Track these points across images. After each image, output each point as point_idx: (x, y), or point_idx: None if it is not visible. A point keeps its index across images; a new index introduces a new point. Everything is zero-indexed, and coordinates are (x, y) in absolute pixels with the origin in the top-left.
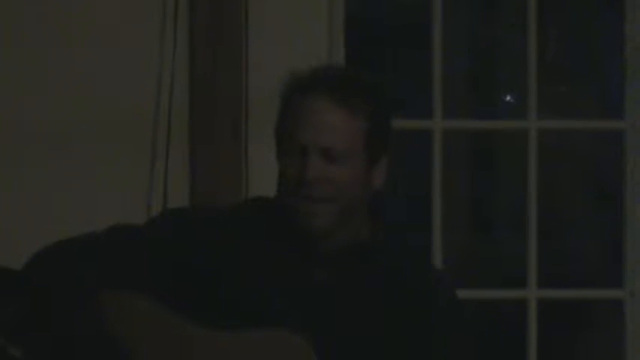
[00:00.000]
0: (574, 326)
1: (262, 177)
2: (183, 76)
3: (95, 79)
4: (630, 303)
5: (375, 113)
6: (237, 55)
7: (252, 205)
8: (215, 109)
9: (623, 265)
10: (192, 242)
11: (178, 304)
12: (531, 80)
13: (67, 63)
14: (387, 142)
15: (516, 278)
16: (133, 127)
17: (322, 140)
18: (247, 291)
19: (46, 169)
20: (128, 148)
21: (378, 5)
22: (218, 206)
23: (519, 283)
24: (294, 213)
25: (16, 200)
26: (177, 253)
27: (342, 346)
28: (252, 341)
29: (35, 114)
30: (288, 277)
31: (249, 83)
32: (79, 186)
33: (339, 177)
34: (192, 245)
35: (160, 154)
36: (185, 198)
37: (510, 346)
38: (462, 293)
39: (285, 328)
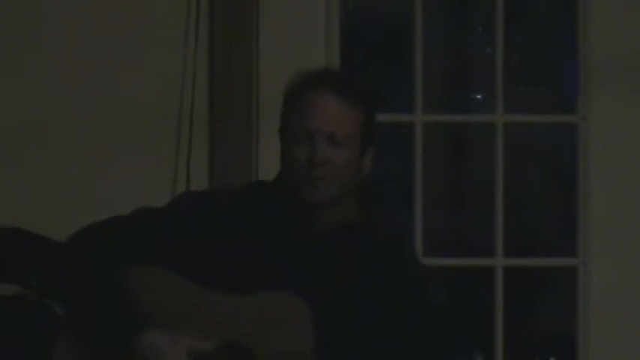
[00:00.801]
0: (534, 291)
1: (271, 168)
2: (202, 79)
3: (122, 82)
4: (582, 270)
5: (367, 108)
6: (249, 61)
7: (255, 187)
8: (231, 109)
9: (576, 238)
10: (204, 222)
11: (195, 276)
12: (498, 80)
13: (96, 66)
14: (374, 134)
15: (485, 249)
16: (158, 125)
17: (327, 127)
18: (253, 262)
19: (82, 162)
20: (154, 144)
21: (367, 15)
22: (226, 189)
23: (488, 252)
24: (302, 187)
25: (59, 187)
26: (192, 231)
27: (331, 306)
28: (258, 302)
29: (71, 113)
30: (288, 250)
31: (260, 87)
32: (112, 176)
33: (339, 159)
34: (205, 224)
35: (183, 150)
36: (205, 186)
37: (480, 308)
38: (441, 261)
39: (285, 292)
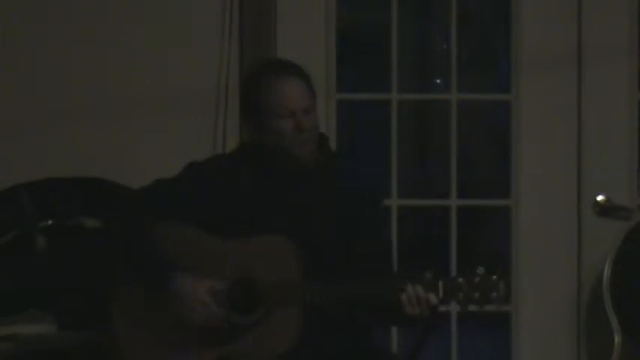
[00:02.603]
0: (479, 224)
1: None
2: (235, 65)
3: (171, 67)
4: (514, 208)
5: (313, 83)
6: (270, 51)
7: (247, 149)
8: None
9: (510, 185)
10: (206, 184)
11: (204, 226)
12: (453, 68)
13: (150, 54)
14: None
15: (443, 192)
16: (199, 102)
17: (303, 102)
18: (248, 211)
19: (138, 131)
20: (197, 118)
21: (356, 18)
22: (218, 156)
23: (445, 195)
24: (293, 150)
25: (120, 149)
26: (199, 192)
27: (314, 236)
28: (257, 243)
29: (130, 91)
30: (277, 195)
31: None
32: (162, 143)
33: (314, 122)
34: (207, 185)
35: (221, 116)
36: None
37: (437, 240)
38: (410, 202)
39: (278, 234)
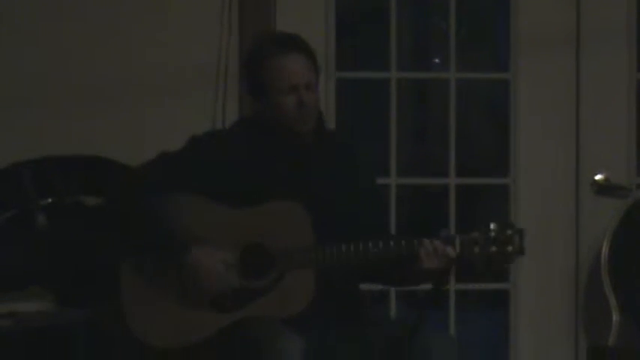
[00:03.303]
0: (477, 202)
1: None
2: (234, 50)
3: (176, 51)
4: (512, 186)
5: (316, 60)
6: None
7: (247, 123)
8: None
9: (508, 163)
10: (214, 154)
11: (214, 196)
12: (451, 47)
13: (157, 40)
14: (319, 73)
15: (442, 171)
16: (201, 84)
17: (304, 79)
18: (257, 179)
19: (144, 110)
20: (198, 98)
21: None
22: (223, 128)
23: (444, 174)
24: (294, 124)
25: (127, 127)
26: (207, 163)
27: (323, 203)
28: (267, 209)
29: (138, 73)
30: (283, 167)
31: None
32: (165, 121)
33: (314, 99)
34: (214, 156)
35: (220, 95)
36: None
37: (436, 219)
38: (410, 180)
39: (288, 200)
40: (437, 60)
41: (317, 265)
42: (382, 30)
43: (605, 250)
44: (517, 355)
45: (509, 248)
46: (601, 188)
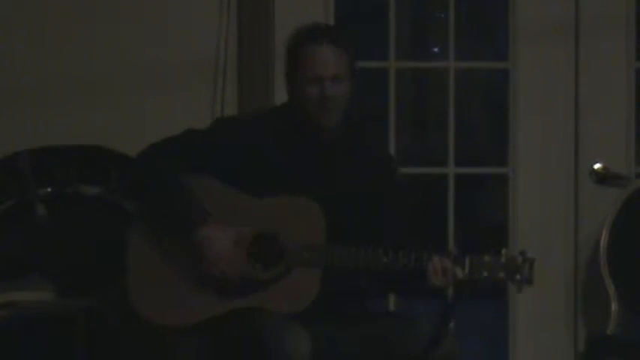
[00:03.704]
0: (476, 191)
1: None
2: (233, 43)
3: (175, 44)
4: (512, 176)
5: (351, 51)
6: (268, 30)
7: (271, 113)
8: (254, 64)
9: (507, 153)
10: (236, 139)
11: (232, 182)
12: (450, 37)
13: (158, 31)
14: (356, 70)
15: (440, 161)
16: (200, 76)
17: (331, 70)
18: (276, 170)
19: (144, 101)
20: (197, 90)
21: None
22: (250, 114)
23: (443, 163)
24: (318, 116)
25: (129, 117)
26: (228, 146)
27: (340, 203)
28: (283, 202)
29: (133, 64)
30: (303, 160)
31: (275, 49)
32: (165, 112)
33: (341, 92)
34: (237, 141)
35: (219, 90)
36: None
37: (435, 208)
38: (408, 170)
39: (304, 196)
40: (436, 49)
41: (325, 266)
42: (381, 19)
43: (604, 239)
44: (516, 344)
45: (518, 276)
46: (600, 177)
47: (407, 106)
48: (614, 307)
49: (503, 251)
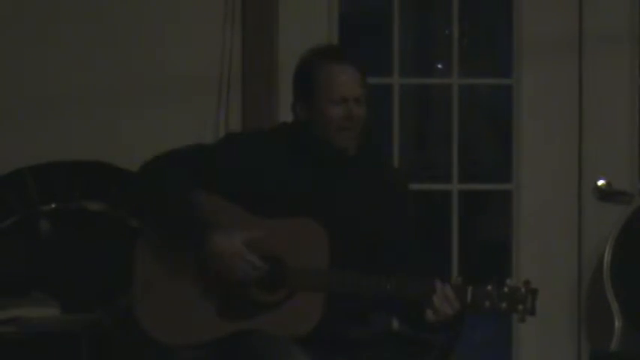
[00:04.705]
0: (480, 208)
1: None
2: (237, 53)
3: (179, 55)
4: (515, 193)
5: (365, 72)
6: (272, 40)
7: (287, 129)
8: (259, 75)
9: (511, 169)
10: (243, 156)
11: (237, 201)
12: (454, 53)
13: (162, 44)
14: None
15: (444, 177)
16: (204, 87)
17: (355, 92)
18: (283, 191)
19: (150, 112)
20: (201, 101)
21: (360, 5)
22: (259, 130)
23: (446, 179)
24: (337, 137)
25: (133, 129)
26: (234, 163)
27: (345, 227)
28: (289, 224)
29: (134, 78)
30: (316, 179)
31: (279, 60)
32: (170, 123)
33: (362, 113)
34: (247, 159)
35: (223, 102)
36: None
37: (439, 224)
38: (412, 186)
39: (312, 218)
40: (440, 66)
41: (328, 291)
42: (385, 36)
43: (607, 255)
44: (520, 359)
45: (520, 307)
46: (603, 194)
47: (410, 122)
48: (617, 323)
49: (507, 281)
